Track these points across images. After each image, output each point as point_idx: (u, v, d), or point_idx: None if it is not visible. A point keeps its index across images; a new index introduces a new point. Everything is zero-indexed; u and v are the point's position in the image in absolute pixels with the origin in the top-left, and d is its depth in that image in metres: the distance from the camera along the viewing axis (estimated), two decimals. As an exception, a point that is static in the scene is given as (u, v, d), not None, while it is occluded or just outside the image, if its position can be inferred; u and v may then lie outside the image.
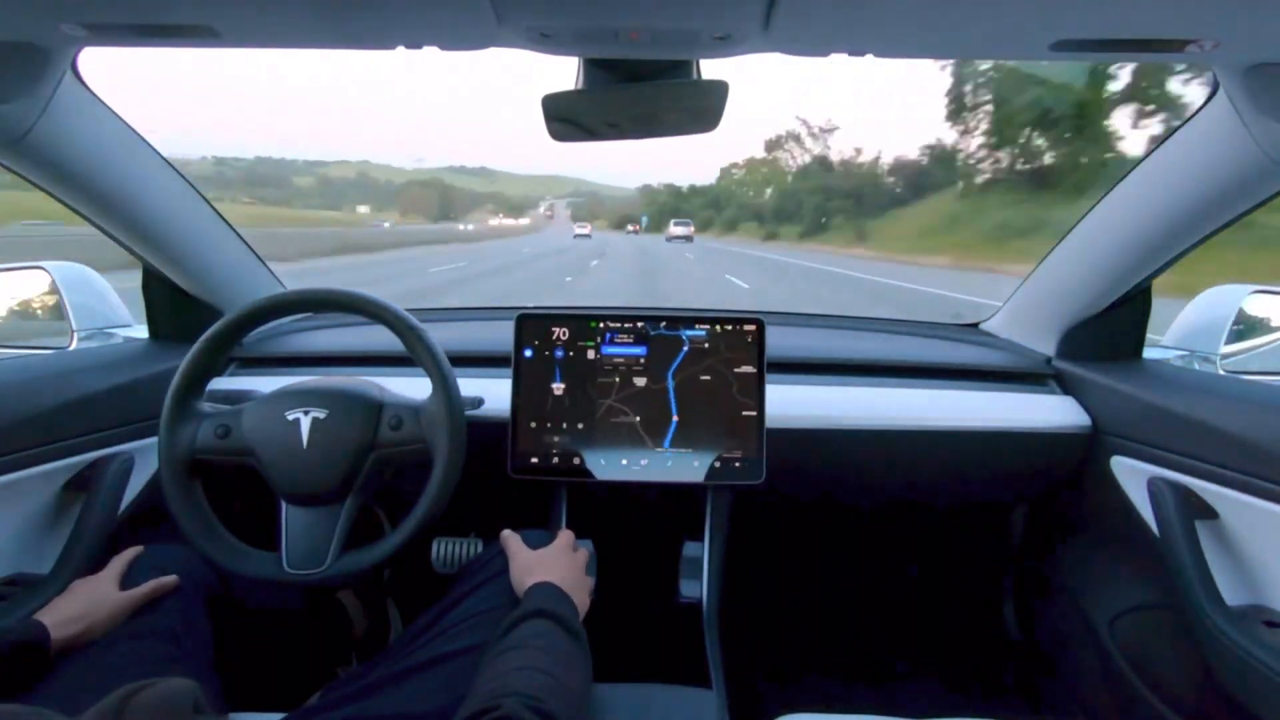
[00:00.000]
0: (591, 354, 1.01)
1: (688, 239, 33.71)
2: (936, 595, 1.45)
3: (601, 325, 1.01)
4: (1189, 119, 0.81)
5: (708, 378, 1.00)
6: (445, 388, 0.84)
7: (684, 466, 0.99)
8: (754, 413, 0.99)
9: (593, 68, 0.72)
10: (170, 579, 0.77)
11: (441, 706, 0.64)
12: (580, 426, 1.00)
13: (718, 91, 0.73)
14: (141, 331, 1.17)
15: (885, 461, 1.12)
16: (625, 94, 0.74)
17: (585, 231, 44.79)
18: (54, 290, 1.17)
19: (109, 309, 1.23)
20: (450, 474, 0.82)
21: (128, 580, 0.76)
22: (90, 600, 0.72)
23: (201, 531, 0.81)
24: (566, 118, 0.78)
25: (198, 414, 0.84)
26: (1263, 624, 0.79)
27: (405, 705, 0.67)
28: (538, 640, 0.62)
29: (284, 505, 0.84)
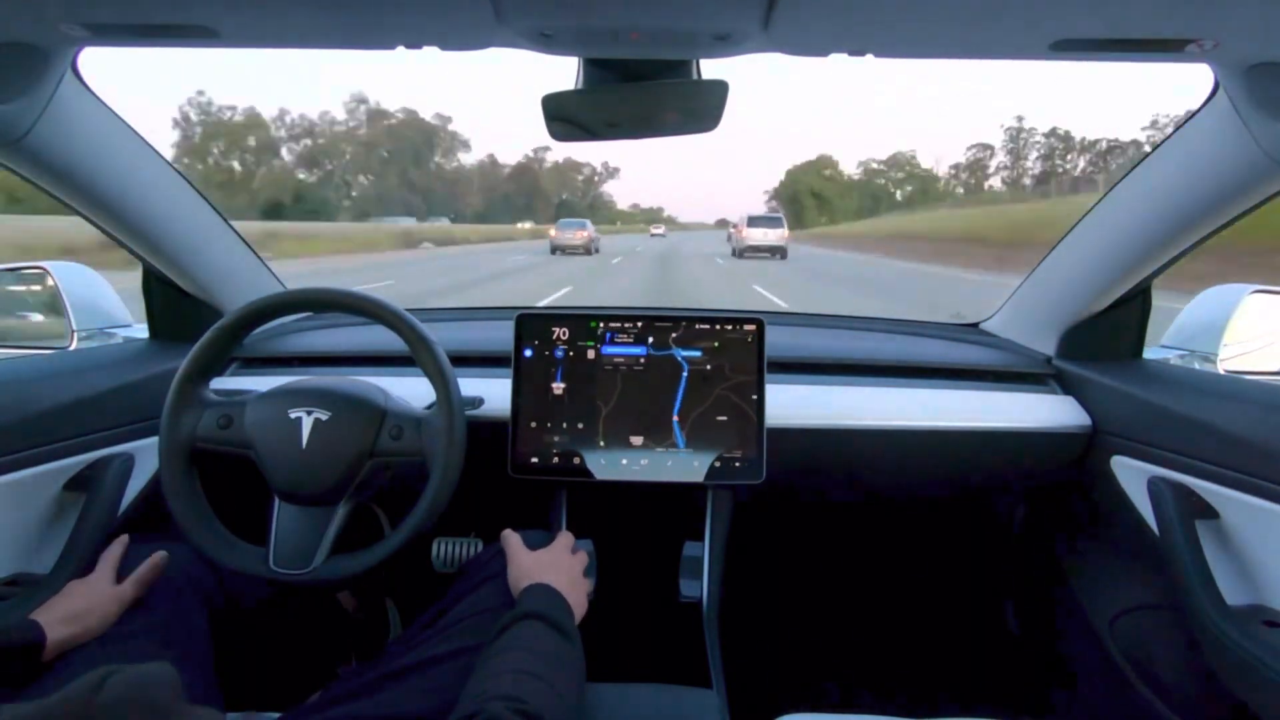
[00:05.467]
0: (591, 354, 1.01)
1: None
2: (937, 595, 1.45)
3: (601, 325, 1.01)
4: (1189, 119, 0.81)
5: (708, 378, 1.00)
6: (447, 395, 0.83)
7: (684, 466, 0.99)
8: (754, 412, 0.99)
9: (593, 67, 0.72)
10: (160, 555, 0.77)
11: (440, 706, 0.64)
12: (580, 426, 1.00)
13: (717, 91, 0.73)
14: (141, 331, 1.17)
15: (885, 461, 1.12)
16: (625, 94, 0.74)
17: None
18: (54, 290, 1.17)
19: (109, 309, 1.23)
20: (445, 487, 0.82)
21: (121, 575, 0.76)
22: (87, 599, 0.72)
23: (193, 519, 0.81)
24: (566, 118, 0.78)
25: (201, 403, 0.85)
26: (1263, 624, 0.79)
27: (404, 705, 0.67)
28: (528, 642, 0.62)
29: (277, 502, 0.84)
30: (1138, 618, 1.00)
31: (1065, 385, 1.12)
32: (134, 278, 1.13)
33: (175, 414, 0.82)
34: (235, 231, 1.15)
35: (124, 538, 0.81)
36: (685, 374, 1.00)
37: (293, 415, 0.83)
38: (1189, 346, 1.15)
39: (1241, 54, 0.64)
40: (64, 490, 0.89)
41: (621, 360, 1.01)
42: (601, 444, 0.99)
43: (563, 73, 0.73)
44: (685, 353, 1.01)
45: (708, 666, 0.87)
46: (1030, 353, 1.19)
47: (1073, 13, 0.55)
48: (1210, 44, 0.58)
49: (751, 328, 1.00)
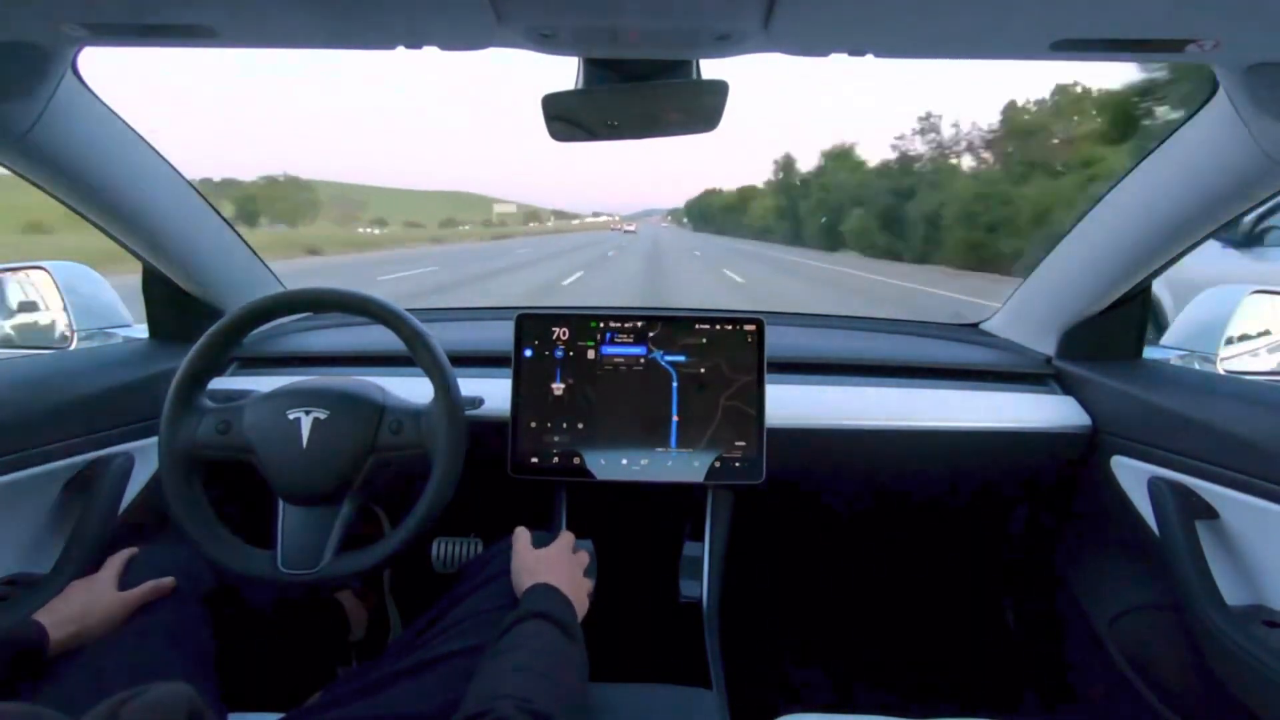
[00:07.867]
0: (591, 354, 1.01)
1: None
2: (937, 595, 1.45)
3: (601, 325, 1.01)
4: (1189, 119, 0.81)
5: (708, 378, 1.00)
6: (446, 392, 0.83)
7: (684, 466, 0.99)
8: (754, 412, 0.99)
9: (593, 67, 0.72)
10: (167, 580, 0.76)
11: (441, 706, 0.64)
12: (580, 426, 1.00)
13: (718, 91, 0.73)
14: (141, 331, 1.17)
15: (885, 461, 1.12)
16: (625, 94, 0.74)
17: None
18: (54, 290, 1.17)
19: (109, 309, 1.23)
20: (448, 481, 0.82)
21: (125, 580, 0.76)
22: (88, 601, 0.72)
23: (199, 527, 0.81)
24: (566, 118, 0.78)
25: (199, 409, 0.84)
26: (1263, 624, 0.79)
27: (405, 705, 0.67)
28: (534, 642, 0.62)
29: (281, 504, 0.84)
30: (1138, 618, 1.00)
31: (1065, 385, 1.12)
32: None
33: (174, 421, 0.82)
34: (235, 231, 1.15)
35: (134, 549, 0.81)
36: (683, 374, 1.00)
37: (291, 416, 0.83)
38: (1189, 346, 1.15)
39: (1241, 54, 0.64)
40: (64, 490, 0.89)
41: (621, 360, 1.01)
42: (601, 444, 0.99)
43: (562, 73, 0.73)
44: (683, 355, 1.01)
45: (708, 666, 0.87)
46: (1030, 353, 1.19)
47: (1073, 13, 0.55)
48: (1210, 44, 0.58)
49: (751, 327, 1.00)
